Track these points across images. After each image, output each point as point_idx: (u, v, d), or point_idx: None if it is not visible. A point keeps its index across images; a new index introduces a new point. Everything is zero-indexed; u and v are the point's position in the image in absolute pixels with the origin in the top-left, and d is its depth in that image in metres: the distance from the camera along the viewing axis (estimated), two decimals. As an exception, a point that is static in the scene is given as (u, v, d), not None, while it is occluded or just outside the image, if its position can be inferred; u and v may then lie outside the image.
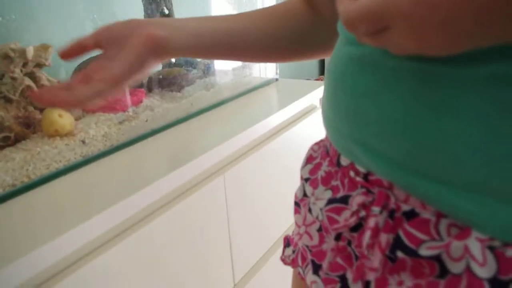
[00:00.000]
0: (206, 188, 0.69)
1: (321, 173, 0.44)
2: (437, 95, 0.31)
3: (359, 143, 0.38)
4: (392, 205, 0.36)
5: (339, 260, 0.42)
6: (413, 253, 0.34)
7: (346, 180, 0.41)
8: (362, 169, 0.39)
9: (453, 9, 0.24)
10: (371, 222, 0.37)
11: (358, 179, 0.39)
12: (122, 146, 0.69)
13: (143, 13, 0.98)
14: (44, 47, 0.72)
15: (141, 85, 0.88)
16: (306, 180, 0.47)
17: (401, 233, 0.35)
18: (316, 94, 1.05)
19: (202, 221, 0.70)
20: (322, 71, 2.48)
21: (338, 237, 0.42)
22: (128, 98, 0.73)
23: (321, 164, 0.46)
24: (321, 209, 0.42)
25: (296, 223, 0.51)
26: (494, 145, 0.29)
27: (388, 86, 0.34)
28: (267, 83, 1.08)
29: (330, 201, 0.41)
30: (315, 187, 0.44)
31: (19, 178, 0.57)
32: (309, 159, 0.49)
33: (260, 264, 0.90)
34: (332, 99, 0.42)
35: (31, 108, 0.70)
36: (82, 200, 0.54)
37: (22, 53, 0.67)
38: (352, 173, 0.40)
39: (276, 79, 1.12)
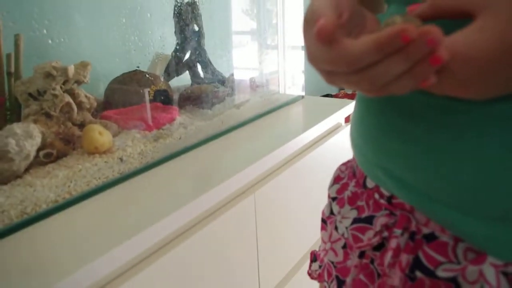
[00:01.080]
0: (238, 206, 0.70)
1: (347, 193, 0.47)
2: (456, 131, 0.33)
3: (384, 169, 0.40)
4: (413, 227, 0.38)
5: (362, 277, 0.44)
6: (431, 274, 0.36)
7: (371, 202, 0.43)
8: (386, 193, 0.41)
9: (490, 61, 0.25)
10: (393, 243, 0.39)
11: (382, 201, 0.42)
12: (157, 163, 0.71)
13: (173, 29, 1.00)
14: (83, 65, 0.75)
15: (163, 101, 0.90)
16: (333, 199, 0.49)
17: (420, 254, 0.37)
18: (342, 113, 1.06)
19: (231, 237, 0.71)
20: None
21: (361, 255, 0.44)
22: (163, 115, 0.75)
23: (348, 185, 0.48)
24: (346, 228, 0.45)
25: (322, 239, 0.53)
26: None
27: (411, 122, 0.36)
28: (293, 100, 1.09)
29: (355, 221, 0.44)
30: (341, 206, 0.47)
31: (62, 194, 0.58)
32: (336, 179, 0.51)
33: (286, 280, 0.91)
34: (359, 128, 0.44)
35: (69, 124, 0.72)
36: (120, 220, 0.55)
37: (64, 71, 0.70)
38: (376, 195, 0.43)
39: (302, 96, 1.13)
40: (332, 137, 1.02)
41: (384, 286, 0.41)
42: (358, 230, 0.43)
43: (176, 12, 0.99)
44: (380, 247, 0.42)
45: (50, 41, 0.68)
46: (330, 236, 0.49)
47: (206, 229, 0.64)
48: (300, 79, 1.19)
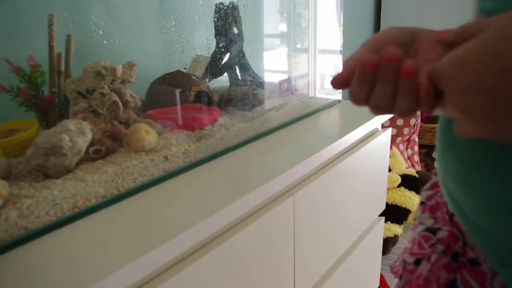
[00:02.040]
0: (277, 208, 0.71)
1: (433, 201, 0.48)
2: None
3: (446, 186, 0.41)
4: (457, 248, 0.40)
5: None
6: None
7: (444, 214, 0.43)
8: (450, 209, 0.42)
9: (480, 66, 0.26)
10: (433, 258, 0.41)
11: (446, 216, 0.43)
12: (199, 163, 0.72)
13: (213, 32, 1.02)
14: (130, 65, 0.77)
15: (205, 102, 0.91)
16: (421, 203, 0.50)
17: (458, 277, 0.38)
18: (380, 119, 1.05)
19: (269, 240, 0.71)
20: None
21: (417, 262, 0.45)
22: (206, 116, 0.76)
23: (438, 193, 0.49)
24: (417, 233, 0.46)
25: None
26: None
27: (472, 169, 0.36)
28: (330, 104, 1.09)
29: (427, 229, 0.45)
30: (423, 212, 0.49)
31: (110, 190, 0.60)
32: (433, 185, 0.51)
33: (321, 282, 0.91)
34: (439, 157, 0.45)
35: (116, 123, 0.74)
36: (163, 219, 0.57)
37: (112, 71, 0.72)
38: (445, 209, 0.44)
39: (339, 101, 1.13)
40: (369, 143, 1.01)
41: None
42: (423, 238, 0.44)
43: (217, 15, 1.00)
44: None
45: (105, 42, 0.70)
46: (411, 237, 0.51)
47: (246, 230, 0.65)
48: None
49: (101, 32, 0.79)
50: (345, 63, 0.35)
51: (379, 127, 1.11)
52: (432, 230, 0.44)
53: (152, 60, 0.99)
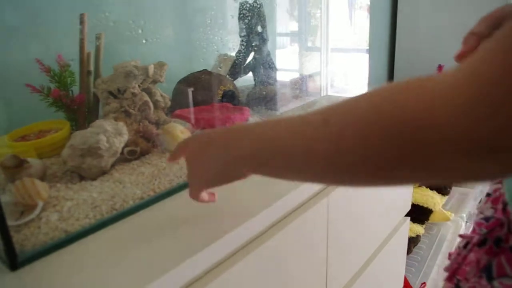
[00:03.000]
0: (311, 210, 0.69)
1: (497, 193, 0.48)
2: None
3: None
4: (502, 234, 0.40)
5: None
6: (489, 279, 0.39)
7: (500, 205, 0.45)
8: (505, 199, 0.44)
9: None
10: (475, 239, 0.44)
11: (501, 206, 0.44)
12: (232, 163, 0.70)
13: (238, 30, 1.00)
14: (160, 65, 0.76)
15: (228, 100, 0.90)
16: (487, 194, 0.50)
17: (494, 261, 0.40)
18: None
19: (304, 240, 0.70)
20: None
21: (465, 245, 0.47)
22: (237, 116, 0.75)
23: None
24: (474, 221, 0.47)
25: None
26: None
27: None
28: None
29: (484, 218, 0.45)
30: (486, 202, 0.48)
31: (147, 191, 0.59)
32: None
33: (350, 283, 0.89)
34: None
35: (146, 122, 0.73)
36: (202, 221, 0.55)
37: (144, 70, 0.71)
38: (502, 200, 0.45)
39: (364, 100, 1.12)
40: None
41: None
42: (477, 224, 0.45)
43: (242, 14, 0.99)
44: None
45: (144, 41, 0.69)
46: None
47: (281, 232, 0.63)
48: (361, 85, 1.17)
49: (128, 32, 0.78)
50: (465, 39, 0.37)
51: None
52: (486, 218, 0.45)
53: (176, 59, 0.98)
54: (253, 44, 1.01)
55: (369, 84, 2.12)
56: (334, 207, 0.75)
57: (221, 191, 0.62)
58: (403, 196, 1.11)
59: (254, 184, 0.65)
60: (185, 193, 0.62)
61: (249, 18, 0.97)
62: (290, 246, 0.66)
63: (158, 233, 0.52)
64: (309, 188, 0.67)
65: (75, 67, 0.73)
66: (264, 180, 0.60)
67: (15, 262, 0.47)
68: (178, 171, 0.63)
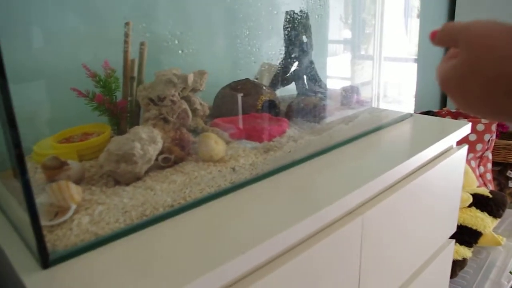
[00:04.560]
0: (345, 228, 0.67)
1: None
2: None
3: None
4: None
5: None
6: None
7: None
8: None
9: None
10: None
11: None
12: (266, 175, 0.70)
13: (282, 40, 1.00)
14: (200, 73, 0.76)
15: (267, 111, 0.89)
16: None
17: None
18: (456, 135, 0.98)
19: (336, 258, 0.68)
20: (444, 103, 2.34)
21: None
22: (275, 127, 0.74)
23: None
24: None
25: None
26: None
27: None
28: (402, 118, 1.04)
29: None
30: None
31: (177, 199, 0.59)
32: None
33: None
34: None
35: (184, 130, 0.74)
36: (230, 232, 0.55)
37: (184, 78, 0.72)
38: None
39: (411, 114, 1.07)
40: (444, 160, 0.95)
41: None
42: None
43: (287, 24, 0.99)
44: None
45: (180, 52, 0.71)
46: None
47: (313, 248, 0.62)
48: (408, 96, 1.13)
49: (169, 39, 0.80)
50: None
51: (454, 144, 1.04)
52: None
53: (217, 67, 0.99)
54: (296, 54, 1.00)
55: (418, 97, 2.05)
56: (369, 225, 0.73)
57: (253, 202, 0.62)
58: (449, 216, 1.06)
59: (286, 197, 0.64)
60: (216, 203, 0.63)
61: (294, 28, 0.96)
62: (322, 262, 0.64)
63: (185, 242, 0.53)
64: (344, 205, 0.65)
65: (119, 73, 0.76)
66: (297, 192, 0.60)
67: (46, 261, 0.48)
68: (210, 181, 0.63)
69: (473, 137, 1.76)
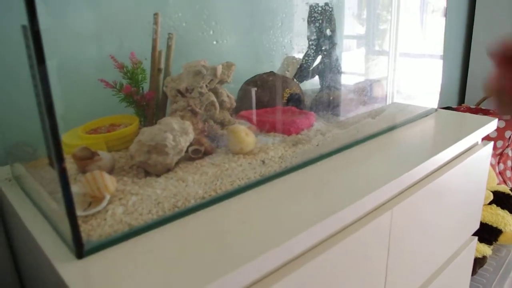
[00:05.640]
0: (374, 222, 0.66)
1: None
2: None
3: None
4: None
5: None
6: None
7: None
8: None
9: None
10: None
11: None
12: (294, 168, 0.69)
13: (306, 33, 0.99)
14: (228, 65, 0.76)
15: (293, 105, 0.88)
16: None
17: None
18: (482, 132, 0.96)
19: (364, 252, 0.67)
20: (462, 100, 2.31)
21: None
22: (303, 121, 0.74)
23: None
24: None
25: None
26: None
27: None
28: (427, 113, 1.03)
29: None
30: None
31: (208, 191, 0.59)
32: None
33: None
34: None
35: (212, 122, 0.73)
36: (261, 226, 0.55)
37: (212, 70, 0.71)
38: None
39: (436, 109, 1.06)
40: (469, 157, 0.93)
41: None
42: None
43: (311, 16, 0.97)
44: None
45: (215, 42, 0.70)
46: None
47: (341, 244, 0.61)
48: (433, 91, 1.11)
49: (199, 33, 0.79)
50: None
51: (479, 141, 1.02)
52: None
53: (244, 60, 0.98)
54: (321, 47, 0.99)
55: (441, 91, 2.03)
56: (397, 221, 0.72)
57: (283, 195, 0.62)
58: (472, 213, 1.04)
59: (311, 194, 0.63)
60: (246, 195, 0.62)
61: (319, 21, 0.95)
62: (350, 257, 0.63)
63: (216, 235, 0.52)
64: (372, 201, 0.64)
65: (146, 64, 0.75)
66: (325, 186, 0.59)
67: (81, 251, 0.48)
68: (240, 173, 0.62)
69: (493, 134, 1.73)
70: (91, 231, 0.50)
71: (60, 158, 0.46)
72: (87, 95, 0.79)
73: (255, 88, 0.86)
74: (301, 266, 0.54)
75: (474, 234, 1.11)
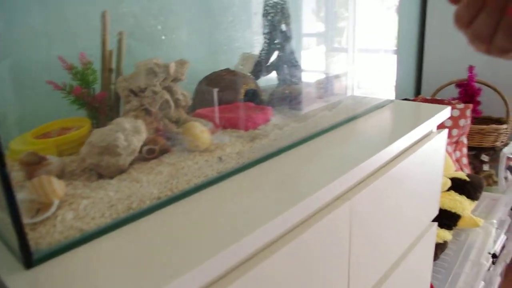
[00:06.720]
0: (334, 213, 0.67)
1: None
2: None
3: None
4: None
5: None
6: None
7: None
8: None
9: None
10: None
11: None
12: (252, 164, 0.69)
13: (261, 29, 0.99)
14: (181, 63, 0.74)
15: (256, 100, 0.88)
16: None
17: None
18: (436, 119, 0.99)
19: (326, 244, 0.67)
20: (418, 91, 2.38)
21: None
22: (260, 116, 0.73)
23: None
24: None
25: None
26: None
27: None
28: (383, 104, 1.04)
29: None
30: None
31: (164, 191, 0.58)
32: None
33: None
34: None
35: (166, 121, 0.72)
36: (219, 223, 0.54)
37: (165, 68, 0.70)
38: None
39: (391, 101, 1.08)
40: (425, 145, 0.95)
41: None
42: None
43: (265, 11, 0.97)
44: None
45: (163, 37, 0.69)
46: None
47: (302, 236, 0.61)
48: (390, 85, 1.14)
49: (149, 30, 0.78)
50: None
51: (434, 129, 1.05)
52: None
53: (198, 57, 0.97)
54: (276, 42, 0.99)
55: (396, 85, 2.07)
56: (357, 210, 0.73)
57: (241, 192, 0.61)
58: (431, 199, 1.07)
59: (269, 188, 0.63)
60: (203, 194, 0.61)
61: (273, 15, 0.95)
62: (312, 248, 0.63)
63: (174, 235, 0.51)
64: (331, 191, 0.64)
65: (97, 65, 0.73)
66: (285, 180, 0.59)
67: (30, 260, 0.46)
68: (197, 171, 0.61)
69: (448, 123, 1.79)
70: (39, 239, 0.47)
71: (2, 164, 0.43)
72: (38, 98, 0.76)
73: (211, 86, 0.85)
74: (261, 262, 0.54)
75: (434, 220, 1.14)
